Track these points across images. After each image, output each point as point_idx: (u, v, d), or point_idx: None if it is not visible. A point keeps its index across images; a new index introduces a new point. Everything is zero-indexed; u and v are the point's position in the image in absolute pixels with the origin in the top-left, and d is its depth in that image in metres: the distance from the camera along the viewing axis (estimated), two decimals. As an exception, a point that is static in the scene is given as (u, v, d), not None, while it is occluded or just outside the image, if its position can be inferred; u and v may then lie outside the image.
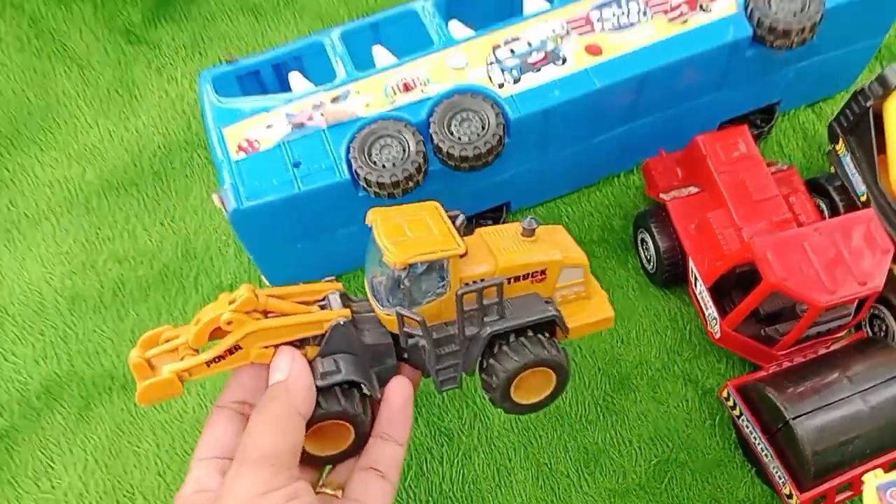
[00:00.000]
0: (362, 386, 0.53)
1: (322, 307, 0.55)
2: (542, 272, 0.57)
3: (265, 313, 0.52)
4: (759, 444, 0.70)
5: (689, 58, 0.76)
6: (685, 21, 0.77)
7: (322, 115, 0.76)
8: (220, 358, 0.51)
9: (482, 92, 0.74)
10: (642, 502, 0.73)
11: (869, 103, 0.76)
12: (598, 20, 0.78)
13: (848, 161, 0.79)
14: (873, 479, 0.63)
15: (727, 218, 0.75)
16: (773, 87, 0.85)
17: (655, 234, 0.79)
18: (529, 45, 0.78)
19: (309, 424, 0.50)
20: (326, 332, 0.53)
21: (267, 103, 0.77)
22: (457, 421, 0.77)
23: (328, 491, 0.53)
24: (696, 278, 0.76)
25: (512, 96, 0.74)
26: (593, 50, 0.77)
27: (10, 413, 0.79)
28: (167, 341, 0.52)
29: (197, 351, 0.52)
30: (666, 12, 0.78)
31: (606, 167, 0.90)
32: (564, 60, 0.76)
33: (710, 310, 0.74)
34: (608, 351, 0.79)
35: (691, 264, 0.76)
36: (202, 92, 0.78)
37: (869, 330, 0.78)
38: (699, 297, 0.76)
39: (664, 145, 0.85)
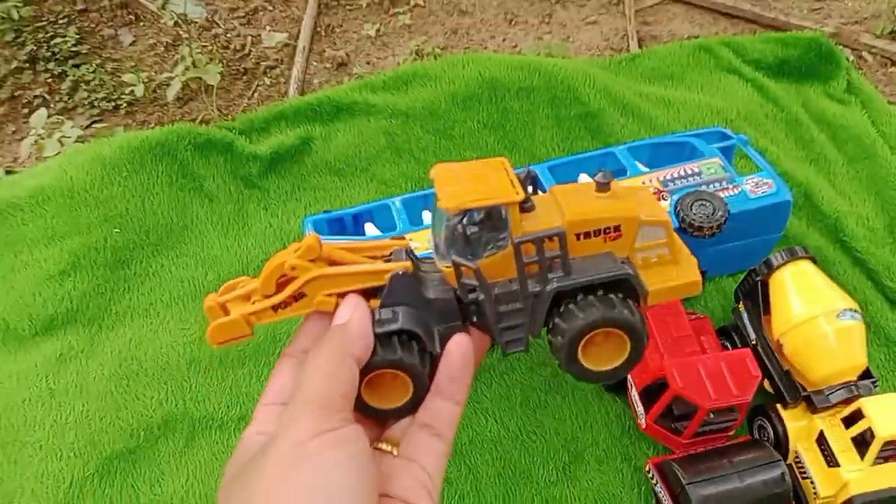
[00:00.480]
0: (421, 338, 0.53)
1: (387, 261, 0.55)
2: (617, 229, 0.54)
3: (331, 263, 0.53)
4: (666, 500, 0.98)
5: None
6: (635, 211, 1.13)
7: (385, 250, 1.12)
8: (285, 304, 0.52)
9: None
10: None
11: (759, 277, 1.10)
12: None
13: (745, 316, 1.12)
14: None
15: (655, 347, 1.07)
16: (700, 262, 1.20)
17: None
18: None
19: (365, 372, 0.51)
20: (387, 282, 0.53)
21: (347, 241, 1.13)
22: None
23: (384, 447, 0.53)
24: (631, 386, 1.08)
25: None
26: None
27: (137, 437, 1.08)
28: (243, 289, 0.55)
29: (267, 298, 0.53)
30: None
31: None
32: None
33: (640, 408, 1.05)
34: (571, 432, 1.09)
35: (629, 376, 1.08)
36: (304, 229, 1.14)
37: (757, 434, 1.07)
38: (633, 398, 1.07)
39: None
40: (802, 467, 0.99)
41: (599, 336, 0.53)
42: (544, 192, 0.57)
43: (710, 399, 0.95)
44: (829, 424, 0.99)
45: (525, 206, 0.52)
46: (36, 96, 1.55)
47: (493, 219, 0.51)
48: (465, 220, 0.51)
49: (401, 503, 0.50)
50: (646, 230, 0.54)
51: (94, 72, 1.57)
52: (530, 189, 0.56)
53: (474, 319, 0.55)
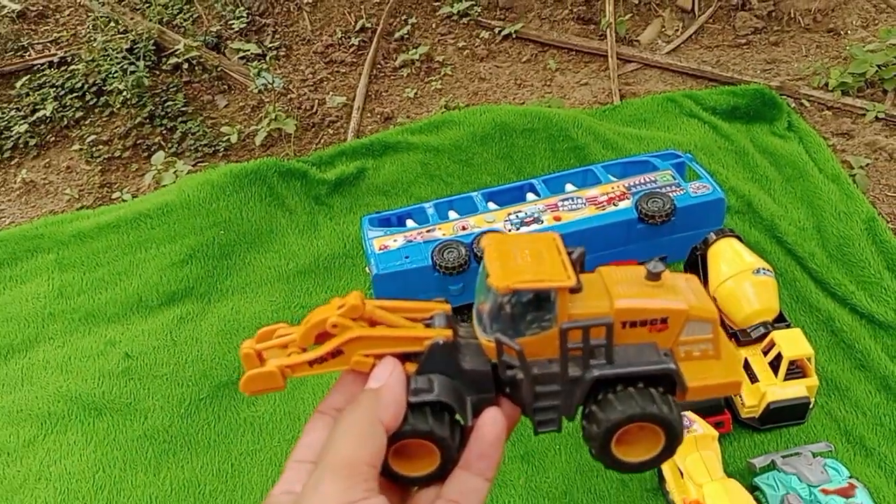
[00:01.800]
0: (454, 410, 0.51)
1: (427, 326, 0.53)
2: (664, 321, 0.51)
3: (371, 323, 0.52)
4: None
5: (606, 224, 1.45)
6: (604, 209, 1.49)
7: (420, 237, 1.49)
8: (322, 360, 0.51)
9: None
10: None
11: (699, 252, 1.44)
12: (560, 206, 1.52)
13: (691, 283, 1.45)
14: None
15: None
16: (658, 247, 1.54)
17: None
18: (525, 214, 1.51)
19: (394, 440, 0.49)
20: (425, 350, 0.51)
21: (393, 231, 1.51)
22: None
23: None
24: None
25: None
26: (557, 218, 1.49)
27: (238, 371, 1.42)
28: (280, 338, 0.53)
29: (304, 350, 0.52)
30: (595, 205, 1.50)
31: None
32: (542, 222, 1.49)
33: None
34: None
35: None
36: (363, 223, 1.51)
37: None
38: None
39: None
40: (732, 388, 1.30)
41: (634, 427, 0.51)
42: (589, 271, 0.54)
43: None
44: (752, 354, 1.29)
45: (574, 288, 0.49)
46: (153, 144, 1.98)
47: (541, 300, 0.49)
48: (513, 300, 0.49)
49: None
50: (693, 325, 0.52)
51: (198, 126, 2.00)
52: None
53: (507, 391, 0.52)
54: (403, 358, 0.52)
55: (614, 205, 1.45)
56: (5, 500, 1.27)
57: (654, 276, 0.52)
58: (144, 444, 1.32)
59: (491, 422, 0.51)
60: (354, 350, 0.51)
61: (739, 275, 1.33)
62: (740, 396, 1.27)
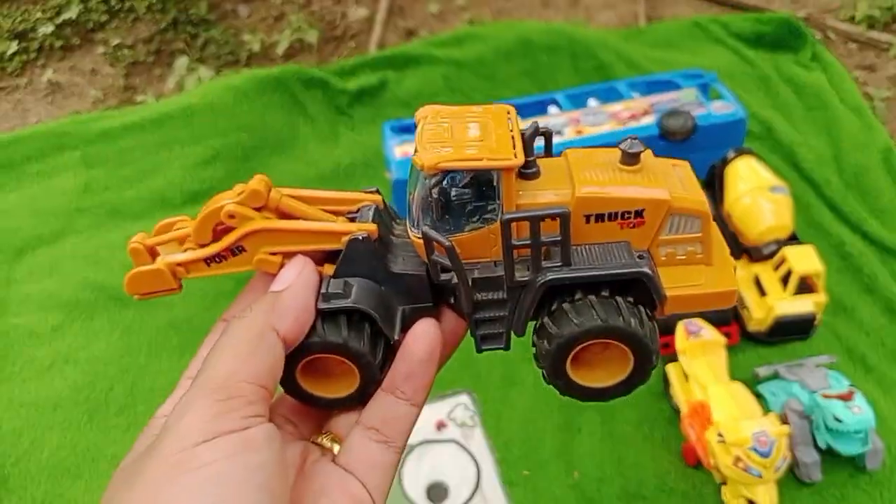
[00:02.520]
0: (376, 321, 0.42)
1: (351, 220, 0.45)
2: (639, 214, 0.41)
3: (281, 215, 0.44)
4: None
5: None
6: (625, 124, 1.50)
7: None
8: (220, 257, 0.43)
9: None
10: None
11: (716, 170, 1.45)
12: (581, 119, 1.52)
13: (708, 199, 1.46)
14: (681, 324, 1.24)
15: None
16: (677, 167, 1.55)
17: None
18: (547, 126, 1.51)
19: (301, 354, 0.41)
20: (343, 247, 0.42)
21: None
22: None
23: (324, 442, 0.44)
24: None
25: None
26: (579, 132, 1.50)
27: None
28: (178, 231, 0.45)
29: (203, 246, 0.44)
30: (618, 120, 1.51)
31: None
32: (563, 135, 1.49)
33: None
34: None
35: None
36: (384, 129, 1.52)
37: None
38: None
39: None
40: (742, 302, 1.32)
41: (597, 346, 0.42)
42: (557, 155, 0.45)
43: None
44: (763, 270, 1.32)
45: (527, 173, 0.42)
46: (176, 49, 1.98)
47: (481, 185, 0.40)
48: (445, 183, 0.40)
49: None
50: (677, 219, 0.42)
51: (221, 34, 2.00)
52: (540, 148, 0.44)
53: (451, 301, 0.44)
54: (321, 260, 0.44)
55: (636, 120, 1.45)
56: (36, 379, 1.32)
57: (630, 159, 0.42)
58: (169, 333, 1.36)
59: (422, 335, 0.43)
60: (258, 246, 0.43)
61: (755, 191, 1.33)
62: (748, 309, 1.29)
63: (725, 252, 0.46)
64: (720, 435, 1.01)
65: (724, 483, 1.07)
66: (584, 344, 0.42)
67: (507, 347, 0.44)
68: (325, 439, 0.45)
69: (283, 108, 1.68)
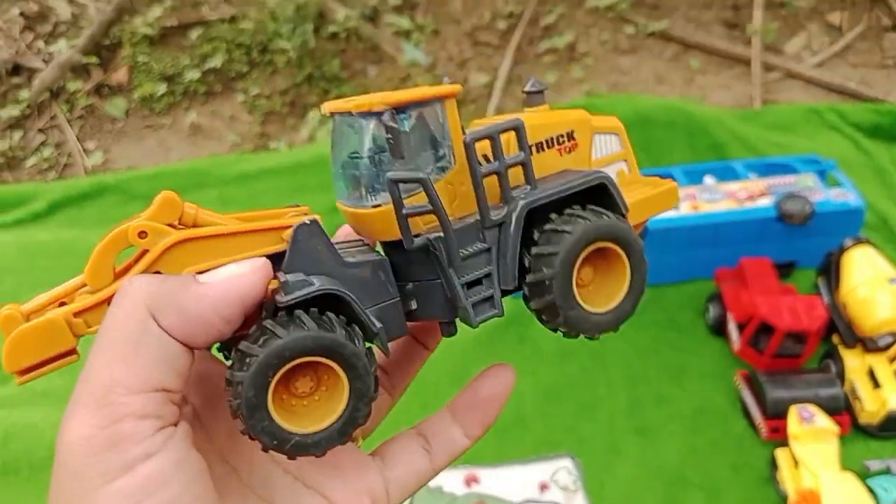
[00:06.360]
0: (354, 308, 0.36)
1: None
2: (571, 136, 0.43)
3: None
4: (749, 399, 1.30)
5: (744, 220, 1.48)
6: (742, 204, 1.52)
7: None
8: None
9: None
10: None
11: (832, 258, 1.45)
12: (697, 196, 1.55)
13: (822, 285, 1.46)
14: (794, 409, 1.23)
15: (749, 292, 1.43)
16: (793, 249, 1.54)
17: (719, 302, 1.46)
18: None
19: (272, 373, 0.33)
20: (290, 239, 0.37)
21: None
22: None
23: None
24: (729, 320, 1.43)
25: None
26: (695, 207, 1.52)
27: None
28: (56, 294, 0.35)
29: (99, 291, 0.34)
30: (734, 199, 1.53)
31: (699, 269, 1.55)
32: (678, 210, 1.52)
33: (735, 335, 1.40)
34: (678, 358, 1.45)
35: (728, 312, 1.43)
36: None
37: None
38: (730, 330, 1.42)
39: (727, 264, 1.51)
40: (855, 392, 1.31)
41: (586, 272, 0.41)
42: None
43: (785, 322, 1.30)
44: (878, 361, 1.30)
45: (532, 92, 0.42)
46: (310, 102, 2.13)
47: (426, 134, 0.38)
48: (391, 134, 0.36)
49: None
50: (600, 139, 0.45)
51: (350, 90, 2.14)
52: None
53: (412, 305, 0.39)
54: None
55: (753, 201, 1.48)
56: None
57: (535, 99, 0.44)
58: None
59: (501, 373, 0.42)
60: (181, 266, 0.34)
61: (872, 281, 1.33)
62: (860, 400, 1.28)
63: (644, 177, 0.49)
64: (832, 525, 1.00)
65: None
66: (586, 252, 0.40)
67: (501, 313, 0.40)
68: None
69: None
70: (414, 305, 0.40)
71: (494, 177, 0.40)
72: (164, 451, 0.32)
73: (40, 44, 2.30)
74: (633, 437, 1.31)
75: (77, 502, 0.31)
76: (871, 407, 1.27)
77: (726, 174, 1.58)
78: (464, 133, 0.39)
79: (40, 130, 2.12)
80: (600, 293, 0.42)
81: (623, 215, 0.42)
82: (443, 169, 0.39)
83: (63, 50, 2.27)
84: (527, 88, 0.44)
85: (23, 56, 2.25)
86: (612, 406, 1.33)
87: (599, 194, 0.41)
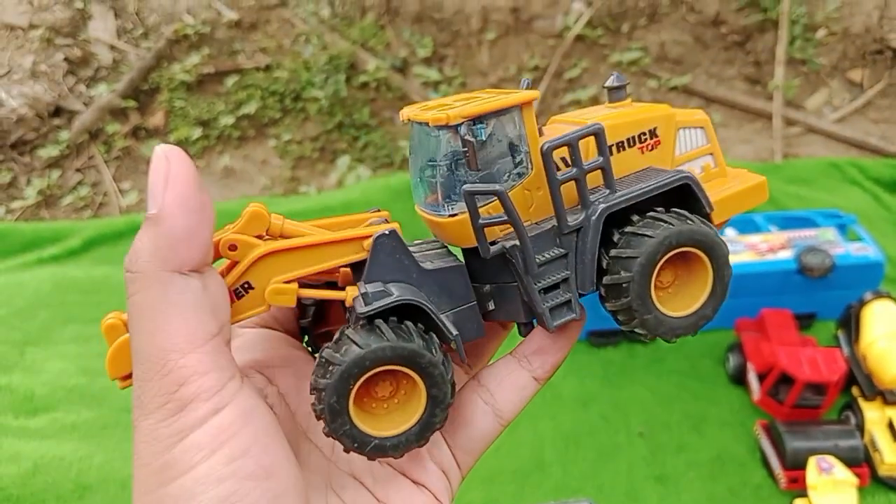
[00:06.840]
0: (433, 318, 0.36)
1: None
2: (654, 133, 0.41)
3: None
4: (768, 449, 1.32)
5: (765, 272, 1.51)
6: (763, 256, 1.55)
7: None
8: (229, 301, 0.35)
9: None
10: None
11: (852, 310, 1.47)
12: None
13: (841, 338, 1.47)
14: (812, 460, 1.24)
15: (769, 343, 1.44)
16: (813, 301, 1.56)
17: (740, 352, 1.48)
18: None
19: (352, 381, 0.35)
20: (370, 249, 0.37)
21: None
22: None
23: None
24: (749, 370, 1.44)
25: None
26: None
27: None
28: None
29: None
30: (755, 251, 1.56)
31: (720, 319, 1.61)
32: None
33: (755, 384, 1.42)
34: (699, 407, 1.46)
35: (748, 362, 1.45)
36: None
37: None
38: (750, 379, 1.43)
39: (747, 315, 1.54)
40: (874, 444, 1.32)
41: (667, 275, 0.40)
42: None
43: (805, 374, 1.32)
44: (898, 414, 1.32)
45: (616, 86, 0.42)
46: (339, 149, 2.21)
47: (504, 141, 0.38)
48: (465, 135, 0.37)
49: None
50: (685, 134, 0.43)
51: (380, 138, 2.22)
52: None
53: (491, 307, 0.40)
54: (335, 285, 0.38)
55: (774, 253, 1.50)
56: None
57: (616, 95, 0.43)
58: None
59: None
60: (267, 277, 0.36)
61: (892, 335, 1.34)
62: (880, 452, 1.29)
63: (732, 168, 0.46)
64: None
65: None
66: (665, 258, 0.39)
67: (578, 316, 0.40)
68: None
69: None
70: (491, 306, 0.40)
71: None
72: (233, 402, 0.33)
73: (81, 87, 2.41)
74: (653, 484, 1.32)
75: (155, 463, 0.32)
76: (891, 459, 1.28)
77: (747, 227, 1.61)
78: (540, 133, 0.39)
79: (78, 170, 2.21)
80: (681, 297, 0.42)
81: (707, 216, 0.41)
82: (520, 175, 0.39)
83: (103, 94, 2.37)
84: (607, 84, 0.43)
85: (64, 99, 2.36)
86: (632, 453, 1.35)
87: (683, 194, 0.40)
